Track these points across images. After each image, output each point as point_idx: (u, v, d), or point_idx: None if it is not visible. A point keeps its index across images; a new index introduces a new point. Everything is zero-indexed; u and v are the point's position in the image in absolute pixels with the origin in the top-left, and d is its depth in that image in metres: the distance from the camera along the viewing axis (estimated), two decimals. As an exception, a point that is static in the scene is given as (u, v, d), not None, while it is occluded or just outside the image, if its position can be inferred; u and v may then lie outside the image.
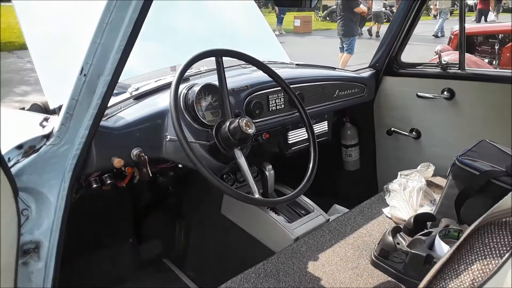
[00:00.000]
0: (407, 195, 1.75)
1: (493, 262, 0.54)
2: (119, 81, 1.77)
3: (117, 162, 1.26)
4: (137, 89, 1.52)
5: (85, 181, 1.35)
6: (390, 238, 1.38)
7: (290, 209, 1.77)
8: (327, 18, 22.54)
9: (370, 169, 2.42)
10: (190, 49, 1.47)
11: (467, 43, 2.09)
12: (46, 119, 1.18)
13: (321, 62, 2.27)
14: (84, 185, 1.35)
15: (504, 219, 0.57)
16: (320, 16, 23.27)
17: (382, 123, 2.32)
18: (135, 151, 1.30)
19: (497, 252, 0.54)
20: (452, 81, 1.99)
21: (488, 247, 0.55)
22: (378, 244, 1.43)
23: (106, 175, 1.40)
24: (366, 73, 2.21)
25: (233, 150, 1.35)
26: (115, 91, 1.21)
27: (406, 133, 2.22)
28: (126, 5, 1.02)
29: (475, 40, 6.33)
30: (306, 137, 1.60)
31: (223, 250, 1.83)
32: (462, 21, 1.93)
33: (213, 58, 1.41)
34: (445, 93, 2.01)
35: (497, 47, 6.14)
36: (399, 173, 1.90)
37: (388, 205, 1.76)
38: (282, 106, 1.75)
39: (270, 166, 1.71)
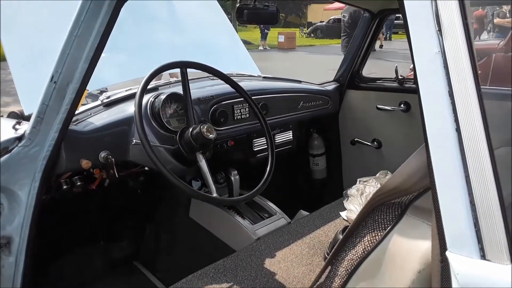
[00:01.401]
0: (363, 199, 1.87)
1: (379, 234, 0.65)
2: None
3: (85, 163, 1.36)
4: (109, 97, 1.62)
5: (55, 182, 1.44)
6: (340, 236, 1.50)
7: (254, 213, 1.87)
8: (312, 35, 23.02)
9: (336, 177, 2.54)
10: (163, 61, 1.59)
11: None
12: (18, 123, 1.28)
13: (304, 76, 2.40)
14: (55, 186, 1.44)
15: (393, 201, 0.68)
16: (305, 33, 23.74)
17: (346, 133, 2.45)
18: (102, 154, 1.40)
19: (383, 226, 0.66)
20: (408, 94, 2.14)
21: (377, 222, 0.67)
22: (330, 242, 1.54)
23: (76, 177, 1.49)
24: (331, 86, 2.35)
25: (195, 154, 1.46)
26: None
27: (369, 143, 2.35)
28: (93, 19, 1.14)
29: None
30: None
31: (191, 251, 1.92)
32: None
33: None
34: (402, 105, 2.15)
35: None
36: (358, 179, 2.03)
37: (346, 209, 1.88)
38: (247, 115, 1.86)
39: (236, 172, 1.82)
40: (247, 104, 1.84)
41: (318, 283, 0.79)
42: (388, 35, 18.46)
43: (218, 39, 2.42)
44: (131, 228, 2.15)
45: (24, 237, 1.29)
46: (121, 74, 1.93)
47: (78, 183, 1.49)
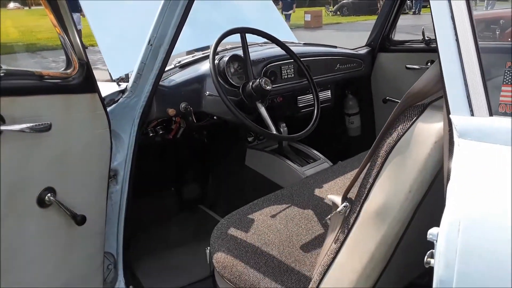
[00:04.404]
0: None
1: (408, 123, 0.96)
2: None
3: (171, 111, 1.71)
4: (179, 62, 1.97)
5: (145, 129, 1.80)
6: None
7: (301, 158, 2.19)
8: (338, 13, 22.84)
9: (370, 133, 2.82)
10: (211, 33, 1.90)
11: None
12: (122, 80, 1.63)
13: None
14: (145, 133, 1.80)
15: (417, 103, 0.99)
16: (330, 11, 23.55)
17: (378, 93, 2.72)
18: (182, 104, 1.75)
19: (410, 118, 0.96)
20: (435, 53, 2.37)
21: (406, 117, 0.97)
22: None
23: (158, 127, 1.85)
24: (363, 50, 2.62)
25: (255, 103, 1.78)
26: None
27: (399, 101, 2.60)
28: None
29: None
30: (312, 102, 2.00)
31: (249, 193, 2.26)
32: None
33: (238, 36, 1.85)
34: (429, 64, 2.40)
35: (498, 32, 6.44)
36: (390, 130, 2.31)
37: (380, 153, 2.18)
38: (292, 75, 2.17)
39: (284, 124, 2.14)
40: (292, 66, 2.15)
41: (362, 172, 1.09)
42: (417, 9, 18.20)
43: (258, 12, 2.72)
44: (196, 175, 2.51)
45: (127, 170, 1.65)
46: (184, 44, 2.26)
47: (160, 132, 1.85)
